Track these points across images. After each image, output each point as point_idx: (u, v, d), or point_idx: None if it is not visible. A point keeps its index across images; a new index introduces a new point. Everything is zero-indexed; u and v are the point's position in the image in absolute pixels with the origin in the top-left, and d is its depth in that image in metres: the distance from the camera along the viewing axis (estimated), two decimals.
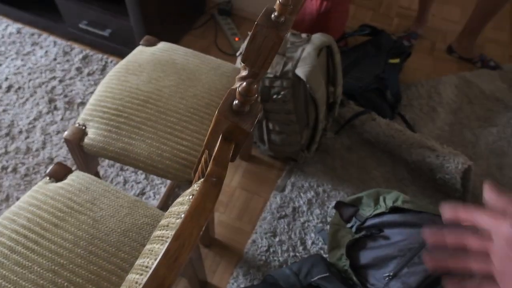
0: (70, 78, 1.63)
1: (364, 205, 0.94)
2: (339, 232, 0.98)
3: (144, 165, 0.91)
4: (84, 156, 1.00)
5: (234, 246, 1.27)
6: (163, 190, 1.36)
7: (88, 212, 0.81)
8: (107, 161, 1.41)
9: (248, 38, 1.19)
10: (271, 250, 1.26)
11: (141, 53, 1.09)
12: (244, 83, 0.36)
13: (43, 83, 1.61)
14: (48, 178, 0.88)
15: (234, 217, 1.33)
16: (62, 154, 1.42)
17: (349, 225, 0.96)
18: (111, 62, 1.69)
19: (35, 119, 1.50)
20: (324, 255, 1.18)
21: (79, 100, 1.56)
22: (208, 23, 1.85)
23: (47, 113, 1.52)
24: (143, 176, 1.38)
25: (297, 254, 1.25)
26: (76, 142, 0.94)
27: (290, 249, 1.26)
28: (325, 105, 1.29)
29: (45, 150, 1.42)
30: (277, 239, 1.28)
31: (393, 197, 0.90)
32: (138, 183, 1.36)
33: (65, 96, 1.57)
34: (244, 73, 0.56)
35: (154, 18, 1.53)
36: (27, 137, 1.45)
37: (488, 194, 0.35)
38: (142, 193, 1.34)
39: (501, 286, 0.33)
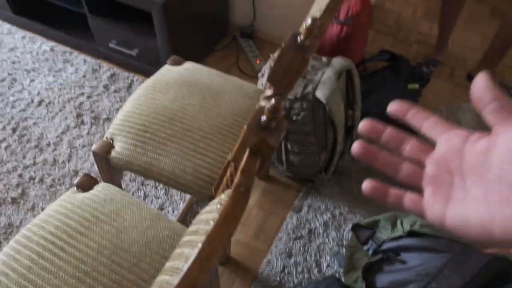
0: (98, 95, 1.70)
1: (381, 228, 0.94)
2: (356, 254, 0.98)
3: (167, 179, 0.94)
4: (109, 169, 1.03)
5: (249, 265, 1.27)
6: (181, 206, 1.38)
7: (113, 222, 0.84)
8: (129, 175, 1.45)
9: (272, 59, 1.23)
10: (286, 271, 1.26)
11: (168, 72, 1.14)
12: (273, 100, 0.39)
13: (72, 98, 1.68)
14: (76, 188, 0.92)
15: (250, 236, 1.34)
16: (87, 167, 1.47)
17: (366, 247, 0.96)
18: (136, 80, 1.76)
19: (62, 133, 1.56)
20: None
21: (104, 116, 1.62)
22: (230, 45, 1.91)
23: (74, 127, 1.58)
24: (163, 191, 1.41)
25: (312, 276, 1.24)
26: (103, 155, 0.98)
27: (305, 270, 1.25)
28: (344, 128, 1.31)
29: (70, 163, 1.48)
30: (292, 260, 1.28)
31: (410, 220, 0.91)
32: (158, 198, 1.40)
33: (92, 111, 1.64)
34: (269, 92, 0.59)
35: (179, 39, 1.59)
36: (54, 150, 1.51)
37: (481, 82, 0.27)
38: (161, 208, 1.37)
39: (426, 192, 0.30)
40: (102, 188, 0.92)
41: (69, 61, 1.83)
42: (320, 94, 1.14)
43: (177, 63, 1.18)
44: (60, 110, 1.64)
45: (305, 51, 0.52)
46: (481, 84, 0.27)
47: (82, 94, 1.70)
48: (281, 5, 1.78)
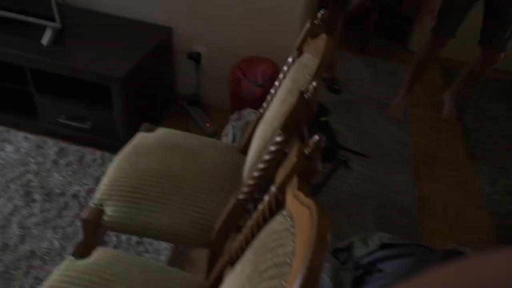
0: (46, 171, 1.65)
1: (356, 247, 1.11)
2: (340, 273, 1.12)
3: (165, 235, 1.00)
4: (95, 235, 1.05)
5: None
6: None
7: (124, 281, 0.87)
8: None
9: (233, 120, 1.40)
10: None
11: (144, 138, 1.23)
12: (316, 137, 0.55)
13: (16, 177, 1.61)
14: (72, 257, 0.92)
15: None
16: (44, 245, 1.40)
17: (347, 266, 1.11)
18: (88, 153, 1.77)
19: (10, 214, 1.47)
20: None
21: (58, 191, 1.58)
22: (179, 112, 2.05)
23: (24, 206, 1.51)
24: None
25: None
26: (95, 221, 1.01)
27: None
28: None
29: (25, 244, 1.39)
30: None
31: (378, 236, 1.09)
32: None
33: (42, 188, 1.58)
34: (279, 138, 0.75)
35: (134, 110, 1.68)
36: (3, 233, 1.41)
37: None
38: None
39: None
40: (102, 252, 0.94)
41: (7, 140, 1.76)
42: None
43: (150, 130, 1.27)
44: (3, 191, 1.55)
45: (311, 104, 0.70)
46: None
47: (28, 171, 1.64)
48: (221, 76, 2.00)
